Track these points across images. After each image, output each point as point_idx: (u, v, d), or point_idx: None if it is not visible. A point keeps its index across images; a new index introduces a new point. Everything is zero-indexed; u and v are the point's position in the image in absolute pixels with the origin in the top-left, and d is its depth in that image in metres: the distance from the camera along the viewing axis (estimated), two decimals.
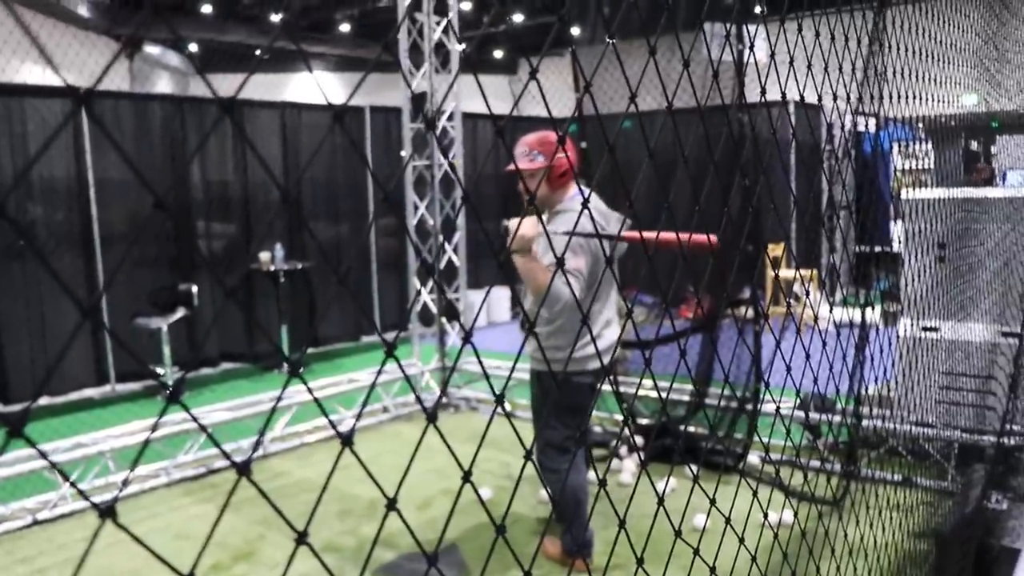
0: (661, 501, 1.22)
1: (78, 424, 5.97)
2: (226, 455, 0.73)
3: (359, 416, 1.26)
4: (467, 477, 0.98)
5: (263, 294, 8.02)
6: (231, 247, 8.01)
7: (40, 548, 4.18)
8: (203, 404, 6.38)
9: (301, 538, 0.82)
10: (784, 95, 1.70)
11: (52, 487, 4.59)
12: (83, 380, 6.90)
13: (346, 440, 0.87)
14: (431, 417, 0.92)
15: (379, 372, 0.89)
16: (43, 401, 6.62)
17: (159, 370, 7.11)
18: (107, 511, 0.67)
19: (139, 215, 7.17)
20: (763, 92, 1.63)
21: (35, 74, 12.64)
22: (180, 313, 7.06)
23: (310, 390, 0.84)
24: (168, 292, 7.11)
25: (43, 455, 0.64)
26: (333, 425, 0.85)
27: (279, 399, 0.89)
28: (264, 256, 7.84)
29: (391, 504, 0.88)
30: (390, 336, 9.12)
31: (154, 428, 0.89)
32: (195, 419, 0.78)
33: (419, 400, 0.94)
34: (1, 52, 10.07)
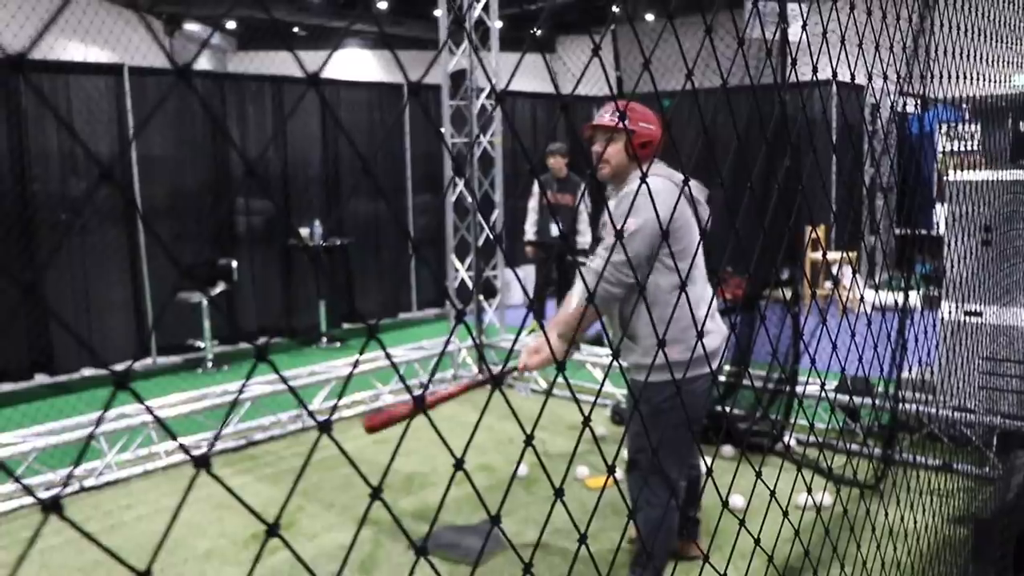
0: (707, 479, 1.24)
1: (120, 395, 6.09)
2: (310, 414, 0.75)
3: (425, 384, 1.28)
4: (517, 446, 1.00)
5: (301, 270, 8.11)
6: (270, 223, 8.10)
7: (87, 514, 4.29)
8: (241, 378, 6.48)
9: (376, 494, 0.84)
10: (824, 73, 1.68)
11: (97, 456, 4.70)
12: (125, 353, 7.03)
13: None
14: (497, 381, 0.93)
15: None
16: (87, 372, 6.77)
17: (199, 344, 7.23)
18: (202, 460, 0.70)
19: (181, 191, 7.27)
20: (815, 70, 1.62)
21: (78, 51, 12.82)
22: (220, 287, 7.16)
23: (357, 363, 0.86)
24: (208, 267, 7.21)
25: (149, 411, 0.67)
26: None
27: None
28: (303, 232, 7.92)
29: (458, 464, 0.89)
30: (426, 313, 9.19)
31: (241, 390, 0.92)
32: (284, 379, 0.80)
33: (482, 367, 0.95)
34: (48, 30, 10.20)
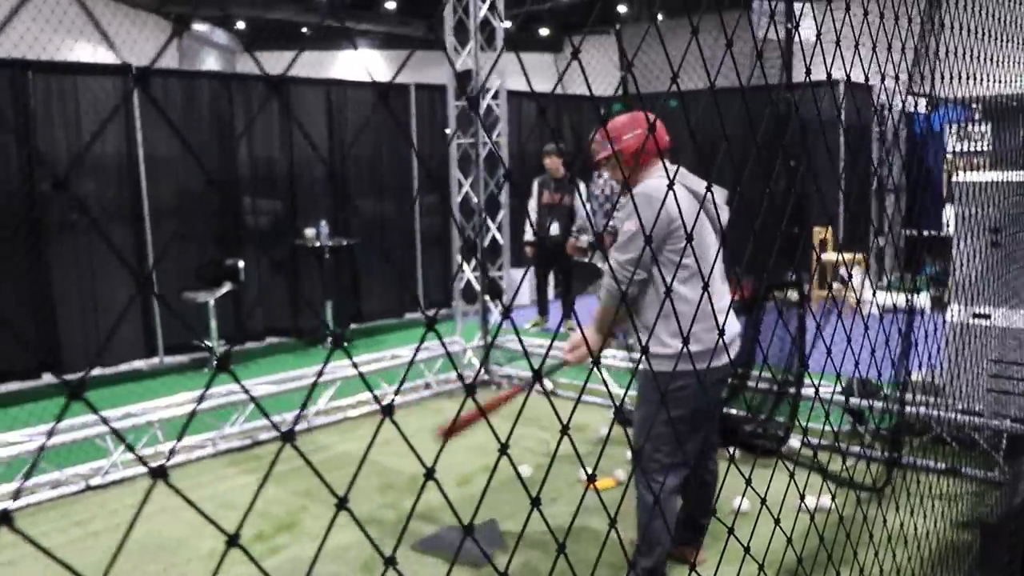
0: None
1: (127, 394, 6.11)
2: (273, 424, 0.75)
3: (399, 390, 1.28)
4: (504, 450, 0.99)
5: (308, 270, 8.11)
6: (277, 223, 8.11)
7: (93, 512, 4.30)
8: (248, 377, 6.49)
9: (341, 503, 0.84)
10: (832, 74, 1.67)
11: (104, 454, 4.71)
12: (133, 352, 7.05)
13: (387, 410, 0.89)
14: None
15: (417, 348, 0.89)
16: (94, 372, 6.79)
17: (206, 343, 7.24)
18: (159, 471, 0.70)
19: (187, 191, 7.29)
20: (829, 74, 1.60)
21: (87, 52, 12.86)
22: (227, 287, 7.17)
23: (355, 364, 0.85)
24: (215, 267, 7.22)
25: (104, 420, 0.66)
26: (373, 394, 0.86)
27: (320, 373, 0.91)
28: (309, 232, 7.92)
29: (429, 474, 0.89)
30: (433, 313, 9.19)
31: (201, 399, 0.92)
32: (244, 389, 0.80)
33: (460, 377, 0.95)
34: (55, 31, 10.25)
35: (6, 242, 6.27)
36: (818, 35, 1.56)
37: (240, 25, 17.21)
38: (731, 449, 4.73)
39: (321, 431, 5.51)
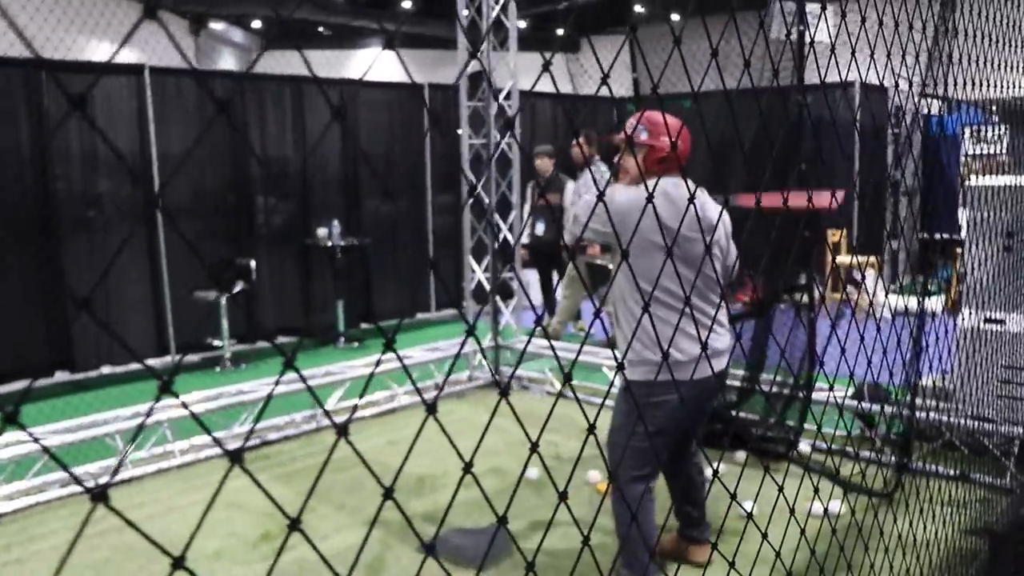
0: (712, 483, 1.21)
1: (137, 393, 6.14)
2: (325, 410, 0.74)
3: (442, 385, 1.27)
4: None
5: (320, 269, 8.13)
6: (289, 222, 8.13)
7: (100, 512, 4.25)
8: (259, 377, 6.52)
9: (388, 494, 0.83)
10: (847, 77, 1.65)
11: (113, 453, 4.74)
12: (144, 351, 7.08)
13: (431, 408, 0.89)
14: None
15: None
16: (105, 370, 6.83)
17: (217, 343, 7.27)
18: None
19: (201, 190, 7.32)
20: (844, 80, 1.59)
21: (102, 50, 12.95)
22: (238, 287, 7.19)
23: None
24: (226, 266, 7.25)
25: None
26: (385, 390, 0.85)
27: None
28: (321, 232, 7.94)
29: (467, 468, 0.88)
30: (444, 314, 9.18)
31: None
32: (303, 378, 0.79)
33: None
34: (67, 30, 10.33)
35: (20, 240, 6.31)
36: (835, 36, 1.54)
37: (256, 24, 17.28)
38: (738, 452, 4.71)
39: (329, 431, 5.51)
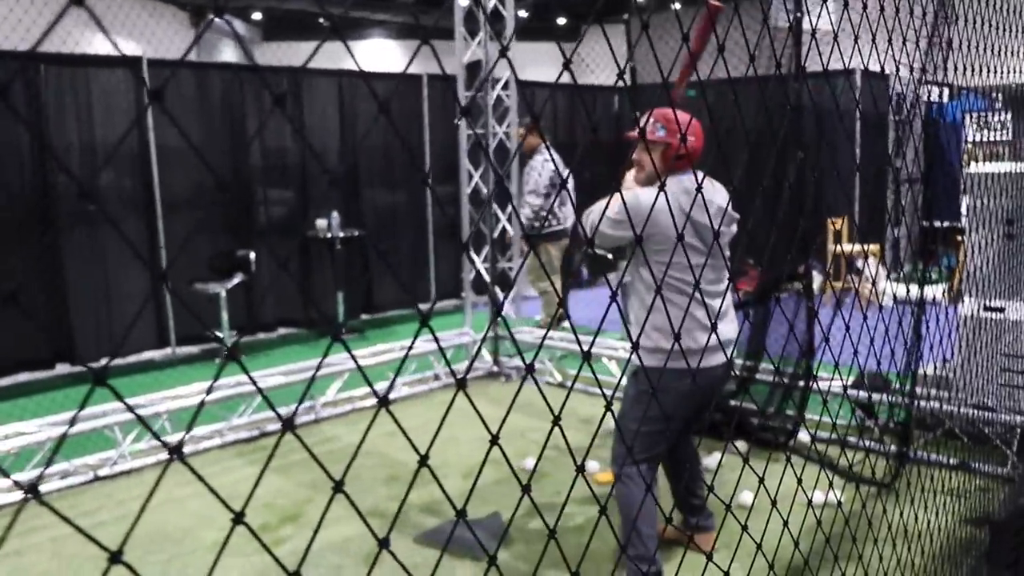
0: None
1: (136, 385, 6.14)
2: (276, 413, 0.73)
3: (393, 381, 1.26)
4: (495, 440, 0.97)
5: (319, 261, 8.11)
6: (288, 214, 8.12)
7: (100, 503, 4.32)
8: (259, 368, 6.51)
9: (338, 487, 0.83)
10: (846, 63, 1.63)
11: (112, 445, 4.73)
12: (145, 343, 7.08)
13: (383, 401, 0.88)
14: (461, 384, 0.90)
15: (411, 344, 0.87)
16: (105, 362, 6.82)
17: (217, 334, 7.26)
18: (175, 449, 0.71)
19: (199, 182, 7.30)
20: (847, 69, 1.56)
21: (106, 44, 12.90)
22: (238, 278, 7.18)
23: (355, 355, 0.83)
24: (226, 257, 7.23)
25: (129, 408, 0.65)
26: (371, 385, 0.83)
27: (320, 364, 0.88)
28: (320, 223, 7.92)
29: (422, 461, 0.86)
30: (444, 305, 9.17)
31: (209, 390, 0.91)
32: (252, 379, 0.78)
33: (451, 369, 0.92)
34: (74, 24, 10.28)
35: (20, 233, 6.30)
36: (838, 23, 1.52)
37: (257, 16, 17.22)
38: (740, 443, 4.70)
39: (329, 422, 5.51)
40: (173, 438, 4.91)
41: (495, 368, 6.56)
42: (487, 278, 6.92)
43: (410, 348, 1.01)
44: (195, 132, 7.30)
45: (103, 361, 6.83)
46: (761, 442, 4.59)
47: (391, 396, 5.92)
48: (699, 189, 1.34)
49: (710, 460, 4.47)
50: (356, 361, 0.83)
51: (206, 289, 6.99)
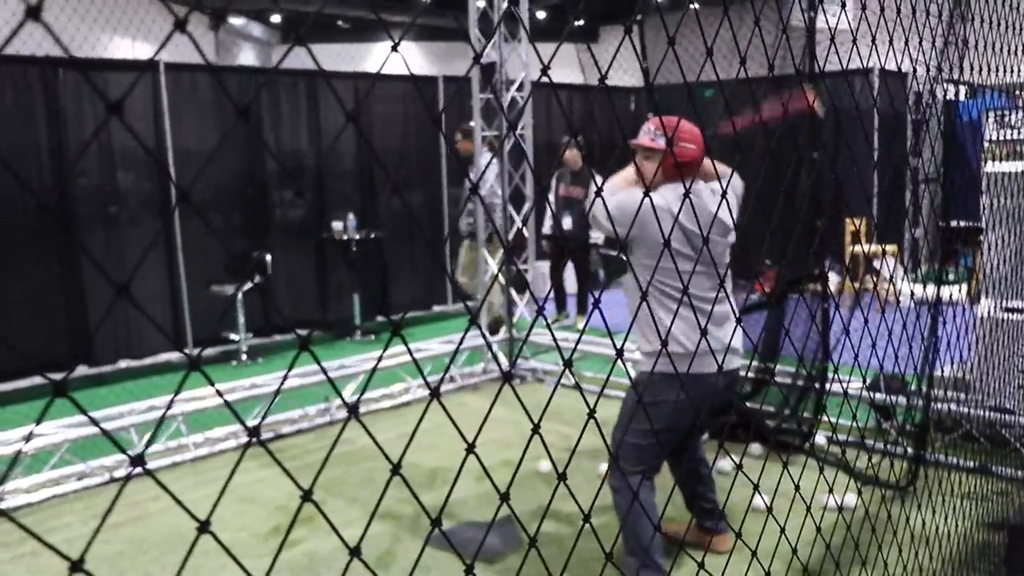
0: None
1: (153, 387, 6.18)
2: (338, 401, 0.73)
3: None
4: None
5: (336, 263, 8.14)
6: (304, 216, 8.14)
7: (123, 501, 4.34)
8: (274, 370, 6.54)
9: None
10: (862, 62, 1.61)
11: (129, 447, 4.76)
12: (161, 345, 7.12)
13: (434, 392, 0.87)
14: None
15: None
16: (123, 364, 6.87)
17: (233, 336, 7.30)
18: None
19: (217, 184, 7.33)
20: (867, 69, 1.55)
21: (125, 47, 13.03)
22: (254, 280, 7.21)
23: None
24: (242, 260, 7.26)
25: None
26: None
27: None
28: (337, 225, 7.93)
29: (470, 448, 0.86)
30: (460, 307, 9.17)
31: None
32: (323, 369, 0.78)
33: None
34: (91, 28, 10.40)
35: (38, 236, 6.36)
36: (857, 25, 1.50)
37: (275, 19, 17.32)
38: (756, 446, 4.66)
39: (343, 424, 5.52)
40: (189, 440, 4.94)
41: (511, 370, 6.54)
42: (502, 280, 6.91)
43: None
44: (212, 134, 7.34)
45: (121, 364, 6.88)
46: (777, 446, 4.55)
47: (407, 399, 5.93)
48: (687, 194, 1.33)
49: (724, 463, 4.44)
50: (377, 362, 0.83)
51: (223, 291, 7.03)
